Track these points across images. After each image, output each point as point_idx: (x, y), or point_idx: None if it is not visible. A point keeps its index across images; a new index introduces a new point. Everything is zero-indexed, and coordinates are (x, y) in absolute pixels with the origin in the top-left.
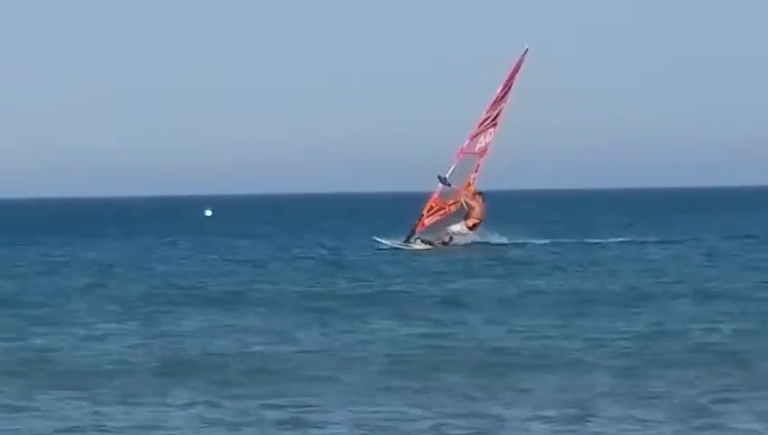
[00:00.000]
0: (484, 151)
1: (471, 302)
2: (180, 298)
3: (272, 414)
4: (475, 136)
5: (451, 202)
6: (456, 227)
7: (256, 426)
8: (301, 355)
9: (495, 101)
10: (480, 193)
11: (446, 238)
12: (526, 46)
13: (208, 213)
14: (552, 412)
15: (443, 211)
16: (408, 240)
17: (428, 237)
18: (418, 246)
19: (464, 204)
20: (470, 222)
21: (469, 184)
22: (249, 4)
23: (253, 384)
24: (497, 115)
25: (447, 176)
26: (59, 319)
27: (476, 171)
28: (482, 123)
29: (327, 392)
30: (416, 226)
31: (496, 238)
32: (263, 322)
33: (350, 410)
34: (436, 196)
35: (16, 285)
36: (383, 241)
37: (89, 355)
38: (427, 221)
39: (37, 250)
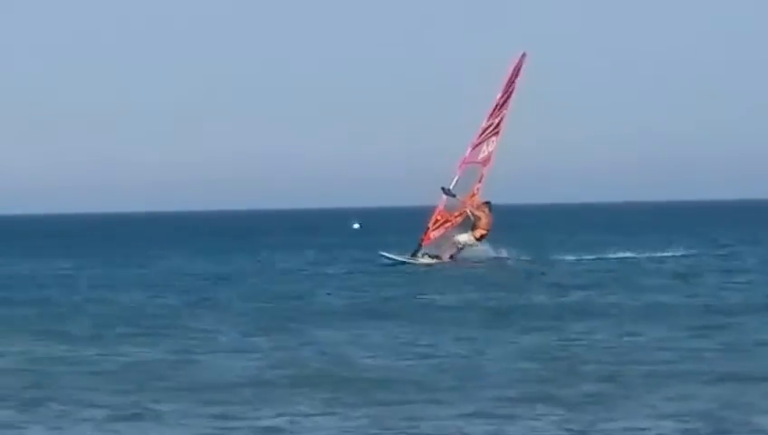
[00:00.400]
0: (487, 160)
1: (599, 312)
2: (309, 310)
3: (396, 424)
4: (477, 145)
5: (456, 214)
6: (463, 237)
7: None
8: (427, 367)
9: (496, 109)
10: (486, 203)
11: (454, 250)
12: (523, 51)
13: (356, 226)
14: (682, 425)
15: (448, 223)
16: (414, 254)
17: (435, 251)
18: (425, 260)
19: (470, 215)
20: (477, 233)
21: (473, 194)
22: (249, 5)
23: (379, 395)
24: (499, 123)
25: (451, 187)
26: (186, 331)
27: (480, 181)
28: (483, 132)
29: (452, 404)
30: (422, 240)
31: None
32: (388, 333)
33: (474, 423)
34: (440, 208)
35: (143, 298)
36: (390, 256)
37: (216, 367)
38: (432, 235)
39: (163, 265)
